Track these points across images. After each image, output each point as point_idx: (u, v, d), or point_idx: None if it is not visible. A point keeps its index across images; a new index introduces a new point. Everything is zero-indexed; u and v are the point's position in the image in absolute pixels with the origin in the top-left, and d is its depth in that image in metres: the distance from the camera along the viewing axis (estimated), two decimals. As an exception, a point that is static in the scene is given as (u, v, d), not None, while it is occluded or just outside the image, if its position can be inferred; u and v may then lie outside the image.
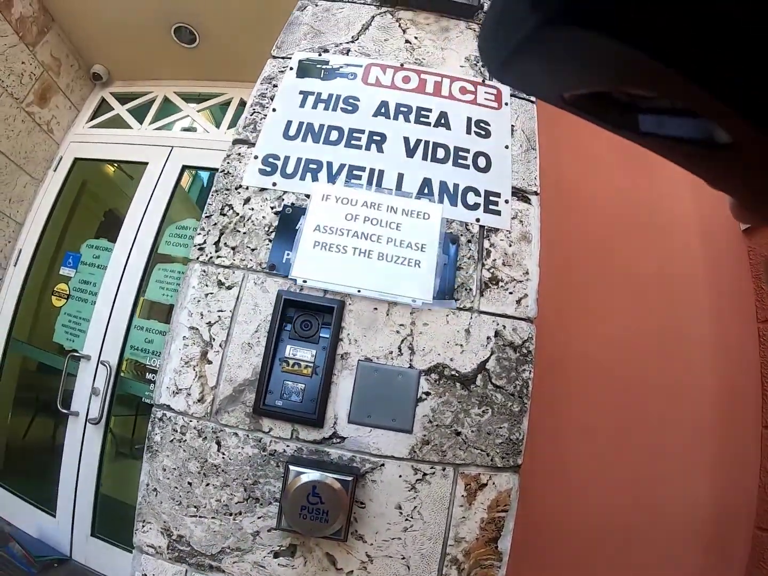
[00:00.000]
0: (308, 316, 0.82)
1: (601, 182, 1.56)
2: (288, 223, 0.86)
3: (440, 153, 0.92)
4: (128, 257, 1.72)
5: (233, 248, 0.87)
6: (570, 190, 1.49)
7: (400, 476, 0.81)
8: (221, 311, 0.86)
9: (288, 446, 0.82)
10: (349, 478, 0.78)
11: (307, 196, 0.88)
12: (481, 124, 0.96)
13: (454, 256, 0.85)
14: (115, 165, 1.95)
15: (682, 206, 1.57)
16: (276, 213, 0.88)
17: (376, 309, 0.83)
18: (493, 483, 0.83)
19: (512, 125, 1.00)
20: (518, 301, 0.87)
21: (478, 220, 0.88)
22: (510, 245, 0.89)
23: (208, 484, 0.84)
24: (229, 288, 0.86)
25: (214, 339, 0.85)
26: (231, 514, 0.84)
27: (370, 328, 0.82)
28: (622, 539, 1.41)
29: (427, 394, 0.82)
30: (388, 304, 0.83)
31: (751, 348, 1.68)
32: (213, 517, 0.84)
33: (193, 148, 1.72)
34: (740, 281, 1.64)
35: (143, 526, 0.87)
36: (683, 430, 1.55)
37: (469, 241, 0.87)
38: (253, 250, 0.87)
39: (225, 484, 0.84)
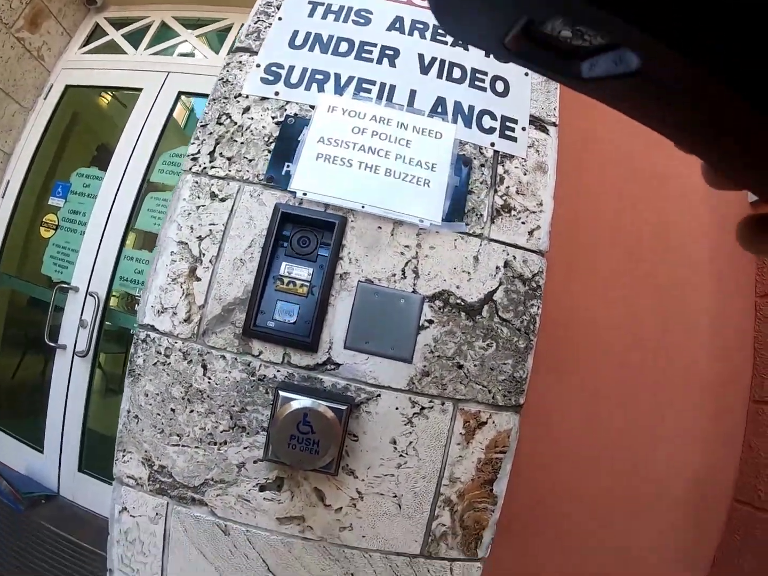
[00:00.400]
0: (306, 232, 0.76)
1: (612, 147, 1.50)
2: (290, 133, 0.80)
3: (456, 73, 0.85)
4: (119, 186, 1.65)
5: (229, 159, 0.81)
6: (581, 153, 1.43)
7: (397, 408, 0.77)
8: (213, 225, 0.79)
9: (278, 371, 0.77)
10: (343, 407, 0.73)
11: (312, 107, 0.82)
12: (501, 49, 0.89)
13: (465, 178, 0.80)
14: (108, 93, 1.86)
15: (691, 176, 1.53)
16: (277, 123, 0.81)
17: (380, 228, 0.77)
18: (493, 422, 0.79)
19: (533, 54, 0.93)
20: (530, 233, 0.81)
21: (492, 144, 0.83)
22: (525, 174, 0.83)
23: (192, 411, 0.79)
24: (222, 200, 0.80)
25: (203, 254, 0.79)
26: (215, 444, 0.79)
27: (373, 248, 0.76)
28: (607, 499, 1.41)
29: (430, 322, 0.77)
30: (393, 224, 0.77)
31: (748, 321, 1.67)
32: (196, 447, 0.79)
33: (190, 74, 1.63)
34: (743, 254, 1.61)
35: (123, 456, 0.81)
36: (675, 397, 1.54)
37: (482, 165, 0.82)
38: (250, 161, 0.80)
39: (210, 411, 0.78)
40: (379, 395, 0.76)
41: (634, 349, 1.44)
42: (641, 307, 1.46)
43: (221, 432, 0.78)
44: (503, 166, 0.83)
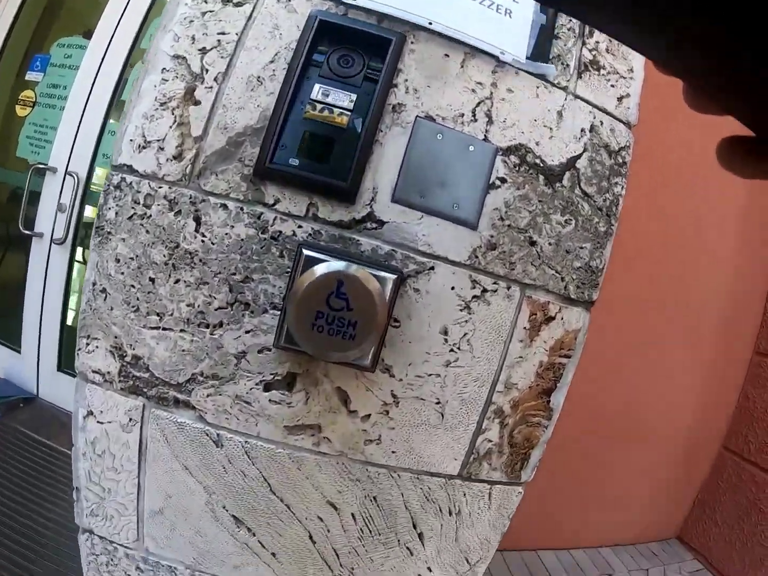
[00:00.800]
0: (350, 51, 0.58)
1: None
2: (335, -71, 0.61)
3: None
4: (105, 53, 1.41)
5: (250, -44, 0.61)
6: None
7: (453, 288, 0.60)
8: (223, 34, 0.59)
9: (300, 227, 0.58)
10: (392, 276, 0.56)
11: None
12: None
13: (552, 19, 0.64)
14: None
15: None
16: None
17: (447, 56, 0.60)
18: (562, 318, 0.64)
19: None
20: (619, 99, 0.67)
21: (580, -12, 0.68)
22: (614, 30, 0.69)
23: (178, 281, 0.59)
24: (238, 5, 0.60)
25: (207, 70, 0.59)
26: (207, 326, 0.59)
27: (437, 78, 0.59)
28: (606, 430, 1.37)
29: (503, 180, 0.60)
30: (464, 53, 0.60)
31: (762, 275, 1.65)
32: (182, 330, 0.59)
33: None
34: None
35: (87, 344, 0.60)
36: (682, 341, 1.50)
37: (568, 9, 0.66)
38: (279, -41, 0.61)
39: (202, 280, 0.59)
40: (432, 268, 0.59)
41: (648, 287, 1.38)
42: (659, 248, 1.39)
43: (216, 310, 0.59)
44: (591, 15, 0.68)
